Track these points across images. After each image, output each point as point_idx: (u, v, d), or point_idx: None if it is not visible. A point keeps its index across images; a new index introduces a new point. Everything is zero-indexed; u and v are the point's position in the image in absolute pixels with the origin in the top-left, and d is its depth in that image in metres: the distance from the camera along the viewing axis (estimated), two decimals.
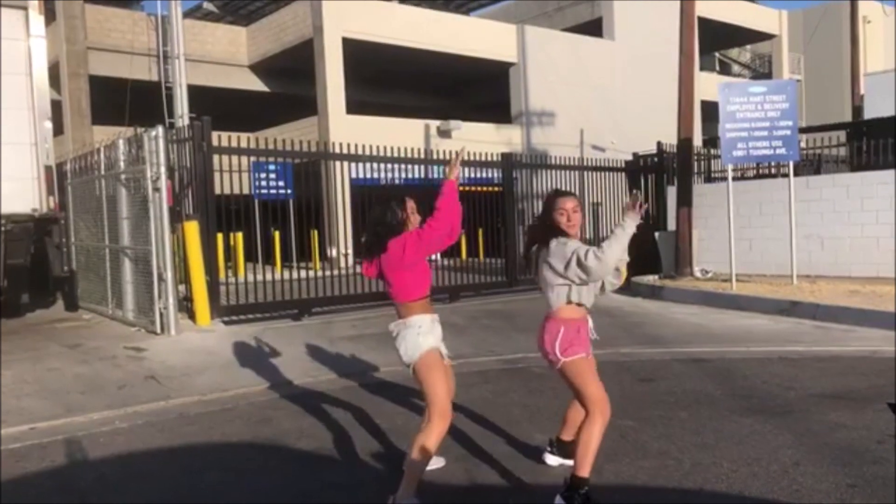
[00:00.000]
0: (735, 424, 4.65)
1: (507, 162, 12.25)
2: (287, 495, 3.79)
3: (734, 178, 11.30)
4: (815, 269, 11.36)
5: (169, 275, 8.01)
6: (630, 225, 3.37)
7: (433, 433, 3.47)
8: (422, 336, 3.56)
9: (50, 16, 15.93)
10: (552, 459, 3.96)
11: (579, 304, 3.52)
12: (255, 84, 23.02)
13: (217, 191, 9.05)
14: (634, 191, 3.58)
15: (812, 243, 11.48)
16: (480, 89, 24.85)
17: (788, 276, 10.70)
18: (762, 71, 36.12)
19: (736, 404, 5.13)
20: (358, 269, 10.16)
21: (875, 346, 7.00)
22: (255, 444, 4.66)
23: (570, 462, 3.57)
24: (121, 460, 4.44)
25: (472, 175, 12.06)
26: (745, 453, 4.10)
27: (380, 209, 3.67)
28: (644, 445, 4.31)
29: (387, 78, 23.46)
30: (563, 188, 3.46)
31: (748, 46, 36.58)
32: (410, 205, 3.67)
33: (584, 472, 3.37)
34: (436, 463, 3.98)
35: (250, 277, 9.78)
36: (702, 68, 23.16)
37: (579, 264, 3.34)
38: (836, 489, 3.57)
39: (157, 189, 7.98)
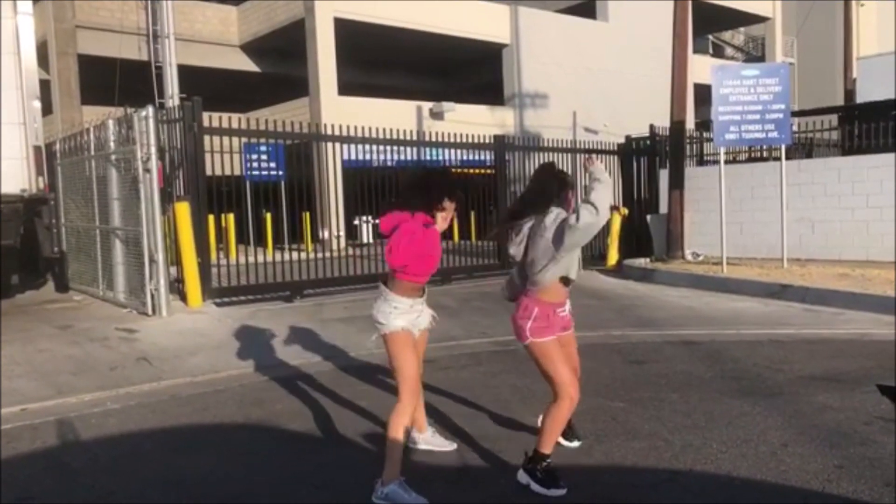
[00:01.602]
0: (725, 406, 4.68)
1: (500, 144, 12.23)
2: (278, 476, 3.81)
3: (726, 162, 11.30)
4: (805, 253, 11.42)
5: (160, 256, 7.98)
6: (599, 172, 3.43)
7: (403, 412, 3.48)
8: (393, 316, 3.56)
9: None
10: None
11: (567, 281, 3.57)
12: (246, 64, 22.81)
13: (208, 172, 8.99)
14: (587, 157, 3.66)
15: (803, 227, 11.53)
16: (473, 71, 24.72)
17: (779, 259, 10.75)
18: (755, 54, 36.09)
19: (726, 386, 5.18)
20: (350, 251, 10.20)
21: (864, 329, 7.06)
22: (247, 426, 4.68)
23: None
24: (113, 441, 4.44)
25: (465, 157, 12.04)
26: (735, 435, 4.14)
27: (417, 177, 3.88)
28: (634, 427, 4.34)
29: (379, 59, 23.30)
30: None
31: (741, 29, 36.49)
32: (441, 215, 3.71)
33: (546, 449, 3.47)
34: (449, 446, 4.05)
35: (242, 259, 9.76)
36: (695, 51, 23.06)
37: (569, 226, 3.33)
38: (823, 470, 3.61)
39: (147, 170, 7.92)
